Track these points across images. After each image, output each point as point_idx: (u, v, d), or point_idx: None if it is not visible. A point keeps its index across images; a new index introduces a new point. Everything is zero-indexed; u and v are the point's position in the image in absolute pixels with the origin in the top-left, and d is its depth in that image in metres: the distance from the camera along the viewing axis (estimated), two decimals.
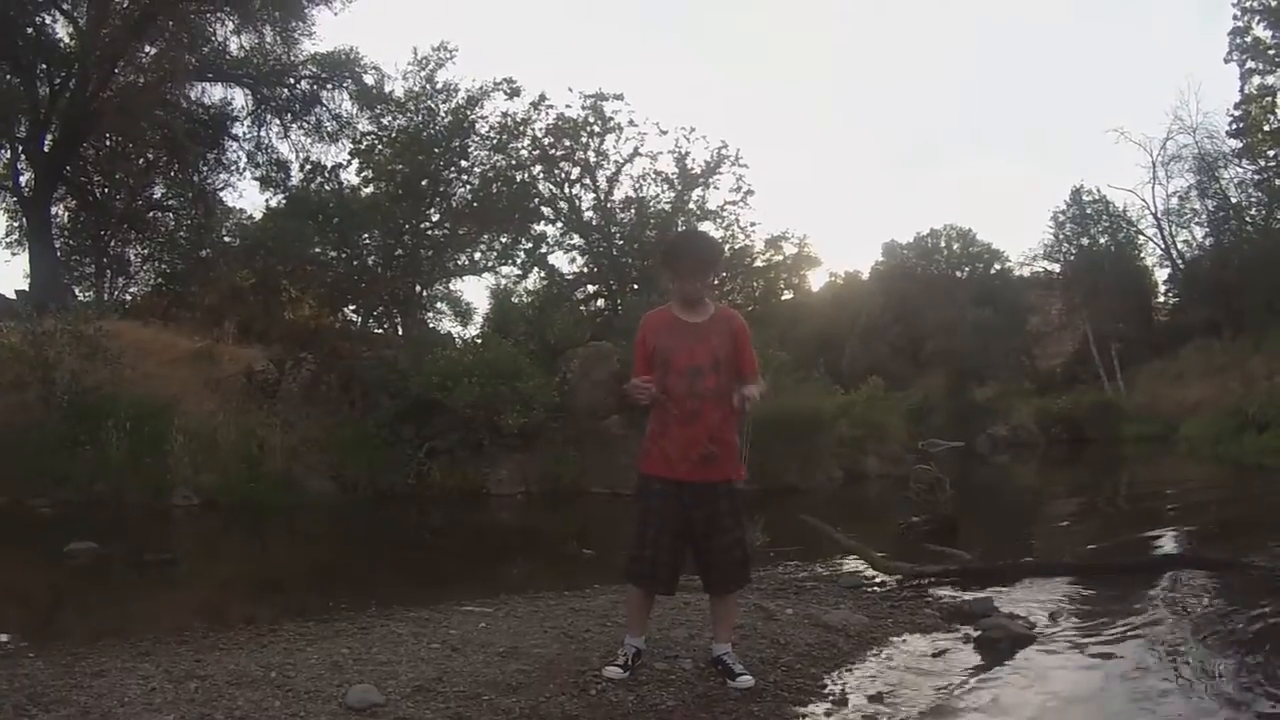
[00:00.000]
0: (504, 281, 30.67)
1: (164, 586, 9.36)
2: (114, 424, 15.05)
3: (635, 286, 29.33)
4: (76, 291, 25.61)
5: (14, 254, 27.65)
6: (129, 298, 27.01)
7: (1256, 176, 40.34)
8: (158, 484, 15.08)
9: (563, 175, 31.14)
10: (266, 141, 28.46)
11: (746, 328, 4.79)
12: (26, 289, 23.92)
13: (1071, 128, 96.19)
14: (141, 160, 27.97)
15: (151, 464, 15.16)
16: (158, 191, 29.18)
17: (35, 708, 4.18)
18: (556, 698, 4.32)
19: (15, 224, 26.78)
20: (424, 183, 27.80)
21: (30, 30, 24.05)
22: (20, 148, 24.87)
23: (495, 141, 29.00)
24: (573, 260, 32.29)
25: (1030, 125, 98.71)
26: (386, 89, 28.05)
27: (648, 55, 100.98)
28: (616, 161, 30.94)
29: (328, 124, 28.19)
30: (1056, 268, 49.08)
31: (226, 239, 27.36)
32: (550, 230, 31.61)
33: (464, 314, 30.02)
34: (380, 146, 28.37)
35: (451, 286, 30.49)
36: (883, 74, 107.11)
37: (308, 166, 28.37)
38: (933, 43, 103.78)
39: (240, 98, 27.99)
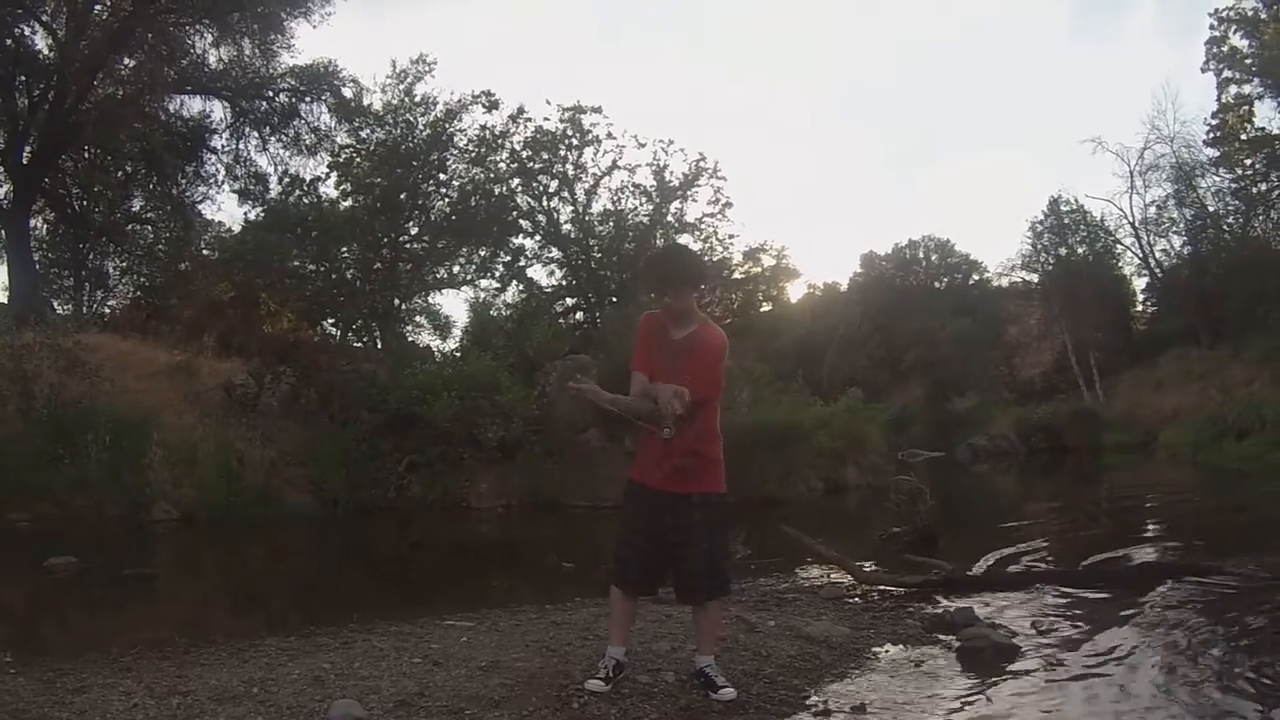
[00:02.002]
0: (483, 295, 30.68)
1: (145, 601, 9.32)
2: (93, 438, 14.93)
3: (614, 299, 29.37)
4: (55, 304, 25.47)
5: None
6: (108, 311, 26.92)
7: (1234, 185, 40.64)
8: (137, 498, 14.96)
9: (541, 188, 31.16)
10: (245, 154, 28.29)
11: (714, 349, 4.70)
12: (4, 301, 23.79)
13: (1050, 137, 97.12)
14: (120, 173, 27.92)
15: (131, 478, 15.05)
16: (136, 204, 29.10)
17: None
18: (539, 711, 4.34)
19: None
20: (402, 196, 27.76)
21: (9, 42, 23.92)
22: None
23: (473, 155, 29.00)
24: (551, 273, 32.34)
25: (1009, 134, 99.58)
26: (365, 102, 28.05)
27: (626, 57, 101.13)
28: (594, 174, 31.03)
29: (306, 137, 28.07)
30: (1035, 278, 49.10)
31: (205, 252, 27.41)
32: (529, 243, 31.67)
33: (443, 327, 30.11)
34: (359, 159, 28.30)
35: (430, 300, 30.56)
36: (862, 82, 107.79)
37: (286, 179, 28.19)
38: (913, 49, 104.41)
39: (219, 110, 27.84)
